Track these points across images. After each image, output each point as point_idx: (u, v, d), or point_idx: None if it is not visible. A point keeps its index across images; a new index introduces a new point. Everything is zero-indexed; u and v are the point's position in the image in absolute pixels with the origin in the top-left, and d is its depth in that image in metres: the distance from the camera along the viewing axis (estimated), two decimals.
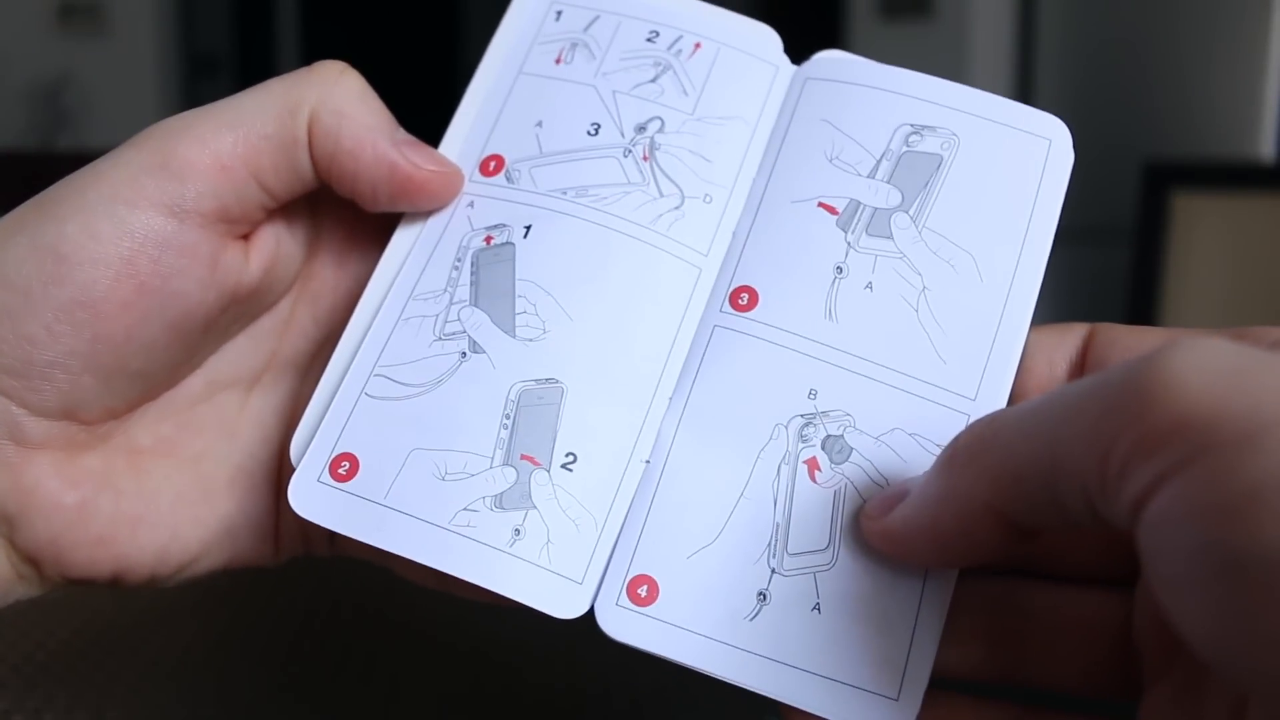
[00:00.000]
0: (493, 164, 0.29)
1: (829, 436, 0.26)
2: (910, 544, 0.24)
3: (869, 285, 0.27)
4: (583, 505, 0.26)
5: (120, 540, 0.27)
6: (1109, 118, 1.68)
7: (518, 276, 0.28)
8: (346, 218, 0.30)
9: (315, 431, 0.26)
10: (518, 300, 0.27)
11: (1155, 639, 0.24)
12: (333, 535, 0.29)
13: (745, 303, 0.28)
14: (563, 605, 0.25)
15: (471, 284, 0.28)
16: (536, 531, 0.25)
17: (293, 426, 0.28)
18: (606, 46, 0.30)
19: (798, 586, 0.25)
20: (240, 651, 0.39)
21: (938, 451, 0.26)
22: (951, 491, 0.23)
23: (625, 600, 0.25)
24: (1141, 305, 1.39)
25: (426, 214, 0.29)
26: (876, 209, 0.28)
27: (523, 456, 0.26)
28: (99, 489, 0.27)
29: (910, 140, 0.29)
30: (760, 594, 0.25)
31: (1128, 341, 0.26)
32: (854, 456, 0.26)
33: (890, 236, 0.28)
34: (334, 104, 0.27)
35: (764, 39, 0.31)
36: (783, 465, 0.26)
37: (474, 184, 0.29)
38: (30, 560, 0.26)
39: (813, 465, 0.26)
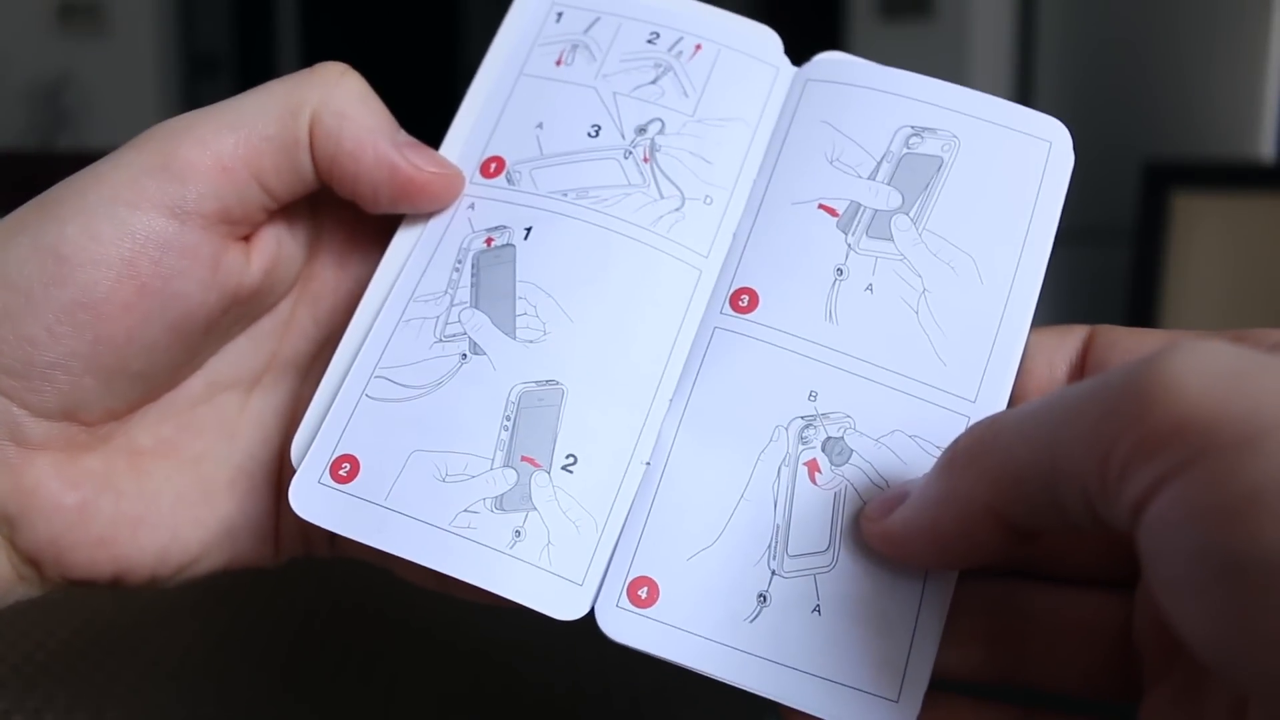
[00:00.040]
0: (493, 165, 0.29)
1: (829, 438, 0.26)
2: (910, 546, 0.24)
3: (869, 287, 0.28)
4: (583, 507, 0.26)
5: (121, 541, 0.27)
6: (1109, 118, 1.67)
7: (518, 278, 0.28)
8: (347, 219, 0.30)
9: (316, 433, 0.26)
10: (518, 302, 0.27)
11: (1155, 641, 0.24)
12: (333, 536, 0.29)
13: (745, 304, 0.28)
14: (563, 607, 0.25)
15: (472, 285, 0.28)
16: (537, 533, 0.25)
17: (293, 428, 0.28)
18: (607, 48, 0.30)
19: (798, 588, 0.25)
20: (240, 651, 0.39)
21: (938, 453, 0.26)
22: (951, 493, 0.23)
23: (625, 602, 0.25)
24: (1141, 305, 1.39)
25: (427, 216, 0.29)
26: (877, 211, 0.28)
27: (523, 458, 0.26)
28: (99, 490, 0.27)
29: (911, 142, 0.29)
30: (760, 595, 0.25)
31: (1128, 344, 0.26)
32: (854, 458, 0.26)
33: (890, 238, 0.28)
34: (335, 105, 0.27)
35: (764, 41, 0.31)
36: (783, 467, 0.26)
37: (475, 186, 0.29)
38: (31, 561, 0.26)
39: (813, 467, 0.26)
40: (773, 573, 0.25)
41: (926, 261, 0.28)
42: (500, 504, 0.25)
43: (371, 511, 0.25)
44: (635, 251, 0.28)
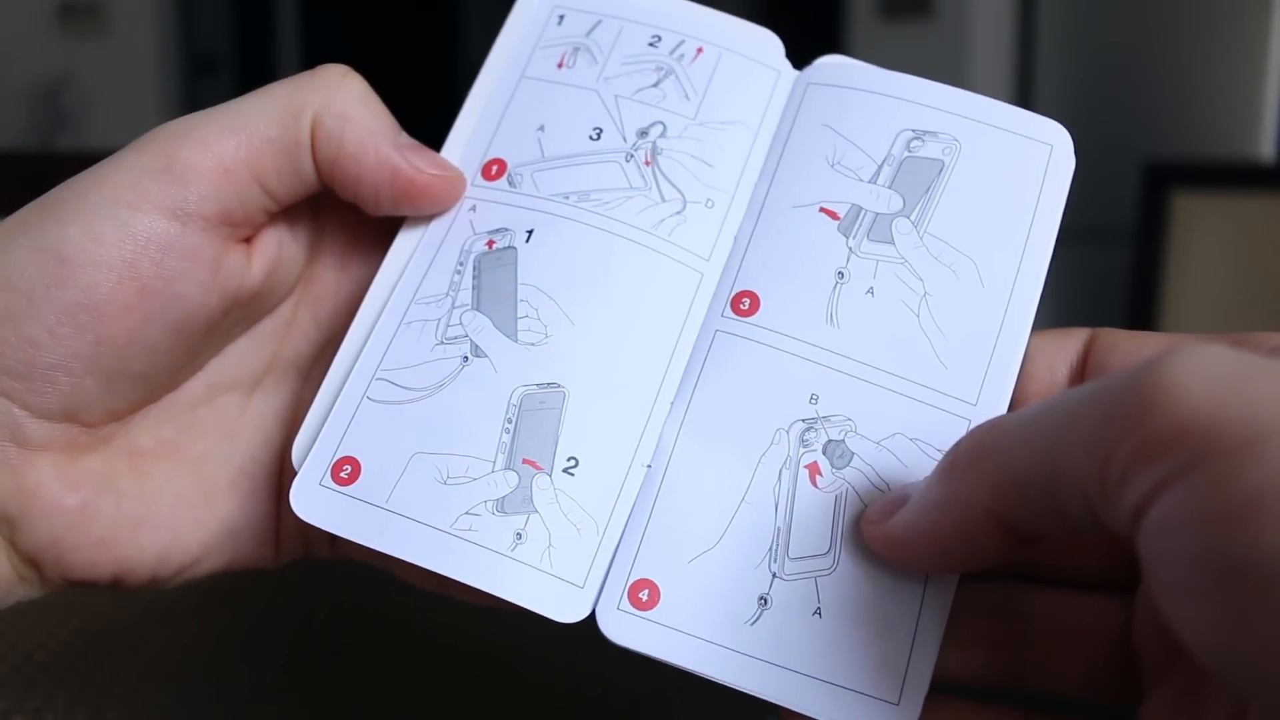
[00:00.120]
0: (495, 168, 0.29)
1: (830, 441, 0.26)
2: (911, 549, 0.24)
3: (870, 290, 0.28)
4: (584, 509, 0.26)
5: (121, 542, 0.27)
6: (1109, 118, 1.68)
7: (520, 280, 0.28)
8: (349, 221, 0.30)
9: (317, 435, 0.26)
10: (520, 304, 0.27)
11: (1155, 644, 0.24)
12: (333, 538, 0.29)
13: (747, 307, 0.28)
14: (564, 609, 0.25)
15: (473, 288, 0.28)
16: (538, 535, 0.25)
17: (294, 429, 0.28)
18: (609, 51, 0.30)
19: (799, 591, 0.25)
20: (240, 652, 0.39)
21: (938, 456, 0.26)
22: (952, 497, 0.23)
23: (626, 604, 0.25)
24: (1141, 305, 1.39)
25: (429, 218, 0.29)
26: (878, 214, 0.28)
27: (524, 460, 0.26)
28: (100, 491, 0.27)
29: (912, 145, 0.29)
30: (761, 598, 0.25)
31: (1128, 347, 0.26)
32: (855, 461, 0.26)
33: (892, 242, 0.28)
34: (337, 108, 0.27)
35: (766, 44, 0.31)
36: (784, 470, 0.26)
37: (476, 188, 0.29)
38: (31, 562, 0.26)
39: (814, 470, 0.26)
40: (773, 575, 0.25)
41: (927, 265, 0.28)
42: (501, 506, 0.25)
43: (372, 513, 0.25)
44: (636, 254, 0.28)
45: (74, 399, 0.26)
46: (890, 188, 0.28)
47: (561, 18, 0.31)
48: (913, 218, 0.28)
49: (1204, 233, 1.38)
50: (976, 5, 1.76)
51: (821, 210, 0.28)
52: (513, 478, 0.26)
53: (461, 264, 0.28)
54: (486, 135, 0.30)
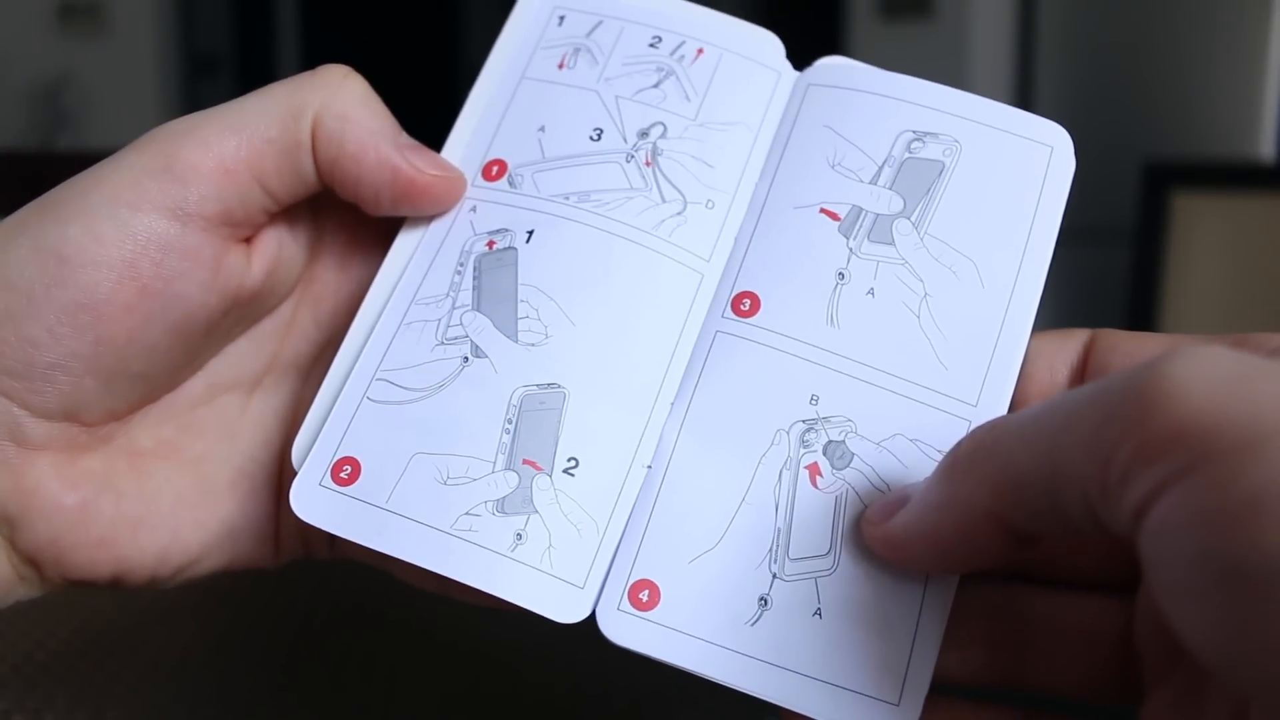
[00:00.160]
0: (495, 169, 0.29)
1: (830, 442, 0.26)
2: (911, 550, 0.24)
3: (871, 291, 0.28)
4: (584, 510, 0.26)
5: (121, 542, 0.27)
6: (1109, 118, 1.67)
7: (520, 281, 0.28)
8: (349, 221, 0.30)
9: (317, 435, 0.26)
10: (520, 305, 0.27)
11: (1156, 644, 0.24)
12: (333, 538, 0.29)
13: (747, 308, 0.28)
14: (564, 610, 0.25)
15: (474, 288, 0.28)
16: (538, 536, 0.25)
17: (294, 429, 0.28)
18: (609, 52, 0.30)
19: (799, 592, 0.25)
20: (240, 651, 0.39)
21: (939, 457, 0.26)
22: (953, 498, 0.23)
23: (627, 605, 0.25)
24: (1141, 306, 1.39)
25: (429, 218, 0.29)
26: (878, 215, 0.28)
27: (524, 461, 0.26)
28: (100, 491, 0.27)
29: (912, 146, 0.29)
30: (761, 599, 0.25)
31: (1128, 348, 0.26)
32: (855, 462, 0.26)
33: (892, 243, 0.28)
34: (337, 108, 0.27)
35: (766, 45, 0.31)
36: (784, 470, 0.26)
37: (476, 189, 0.29)
38: (31, 561, 0.26)
39: (814, 470, 0.26)
40: (774, 576, 0.25)
41: (928, 266, 0.28)
42: (501, 507, 0.25)
43: (372, 514, 0.25)
44: (637, 255, 0.28)
45: (74, 398, 0.26)
46: (891, 189, 0.28)
47: (562, 19, 0.31)
48: (913, 219, 0.28)
49: (1204, 233, 1.38)
50: (976, 5, 1.76)
51: (822, 211, 0.28)
52: (513, 478, 0.26)
53: (462, 264, 0.28)
54: (487, 136, 0.30)
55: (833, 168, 0.29)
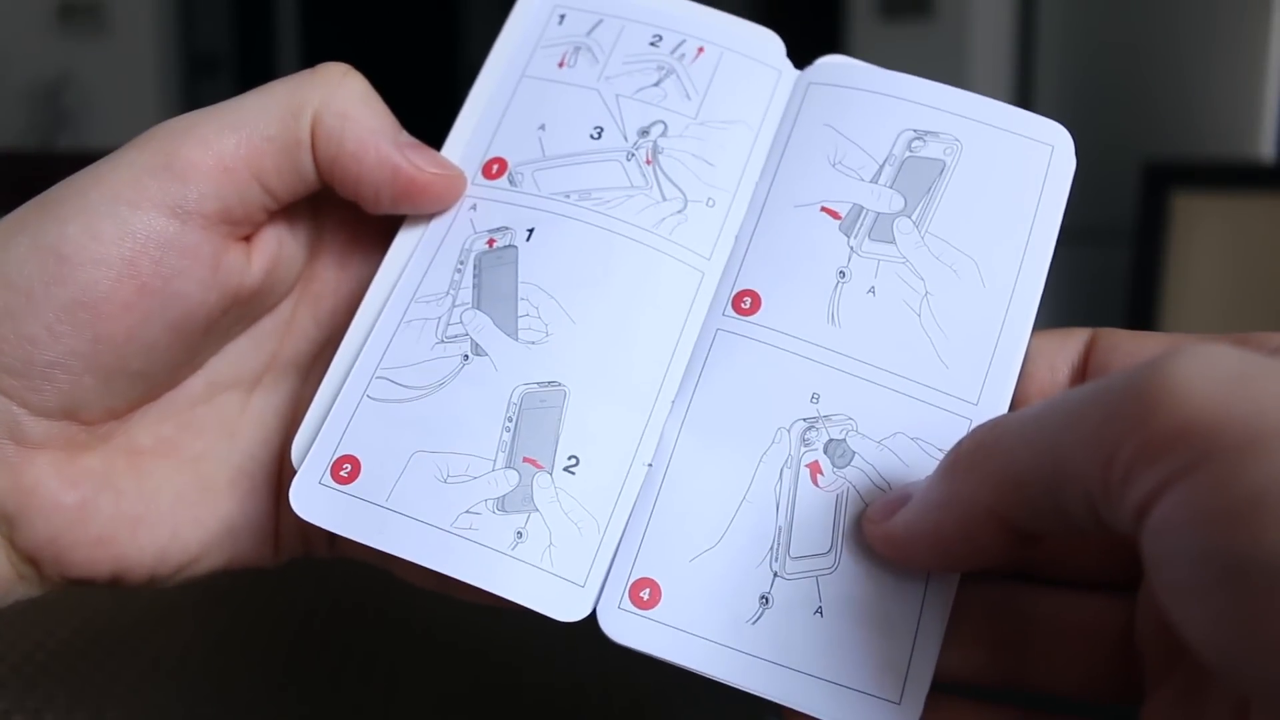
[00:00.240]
0: (495, 167, 0.29)
1: (831, 440, 0.26)
2: (912, 548, 0.24)
3: (871, 290, 0.28)
4: (585, 508, 0.26)
5: (120, 540, 0.27)
6: (1109, 118, 1.67)
7: (520, 279, 0.28)
8: (349, 219, 0.30)
9: (317, 433, 0.26)
10: (520, 303, 0.27)
11: (1157, 643, 0.24)
12: (332, 537, 0.29)
13: (748, 306, 0.28)
14: (565, 608, 0.25)
15: (474, 286, 0.28)
16: (538, 534, 0.25)
17: (293, 428, 0.28)
18: (609, 50, 0.30)
19: (800, 590, 0.25)
20: (240, 651, 0.39)
21: (940, 456, 0.26)
22: (954, 496, 0.23)
23: (627, 603, 0.25)
24: (1141, 305, 1.39)
25: (429, 216, 0.29)
26: (879, 214, 0.28)
27: (525, 459, 0.26)
28: (99, 489, 0.27)
29: (913, 145, 0.29)
30: (762, 597, 0.25)
31: (1129, 347, 0.26)
32: (856, 460, 0.26)
33: (893, 241, 0.28)
34: (337, 106, 0.27)
35: (767, 43, 0.31)
36: (785, 469, 0.26)
37: (477, 187, 0.29)
38: (30, 560, 0.26)
39: (815, 469, 0.26)
40: (775, 574, 0.25)
41: (929, 264, 0.28)
42: (502, 505, 0.25)
43: (372, 512, 0.25)
44: (637, 253, 0.28)
45: (73, 397, 0.26)
46: (891, 187, 0.28)
47: (562, 17, 0.31)
48: (914, 217, 0.28)
49: (1204, 233, 1.38)
50: (976, 5, 1.76)
51: (823, 210, 0.28)
52: (513, 476, 0.26)
53: (462, 262, 0.28)
54: (487, 134, 0.30)
55: (833, 166, 0.29)
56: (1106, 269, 1.56)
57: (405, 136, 0.28)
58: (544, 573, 0.25)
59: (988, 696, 0.26)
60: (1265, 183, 1.39)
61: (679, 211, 0.29)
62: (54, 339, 0.25)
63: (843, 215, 0.28)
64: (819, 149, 0.29)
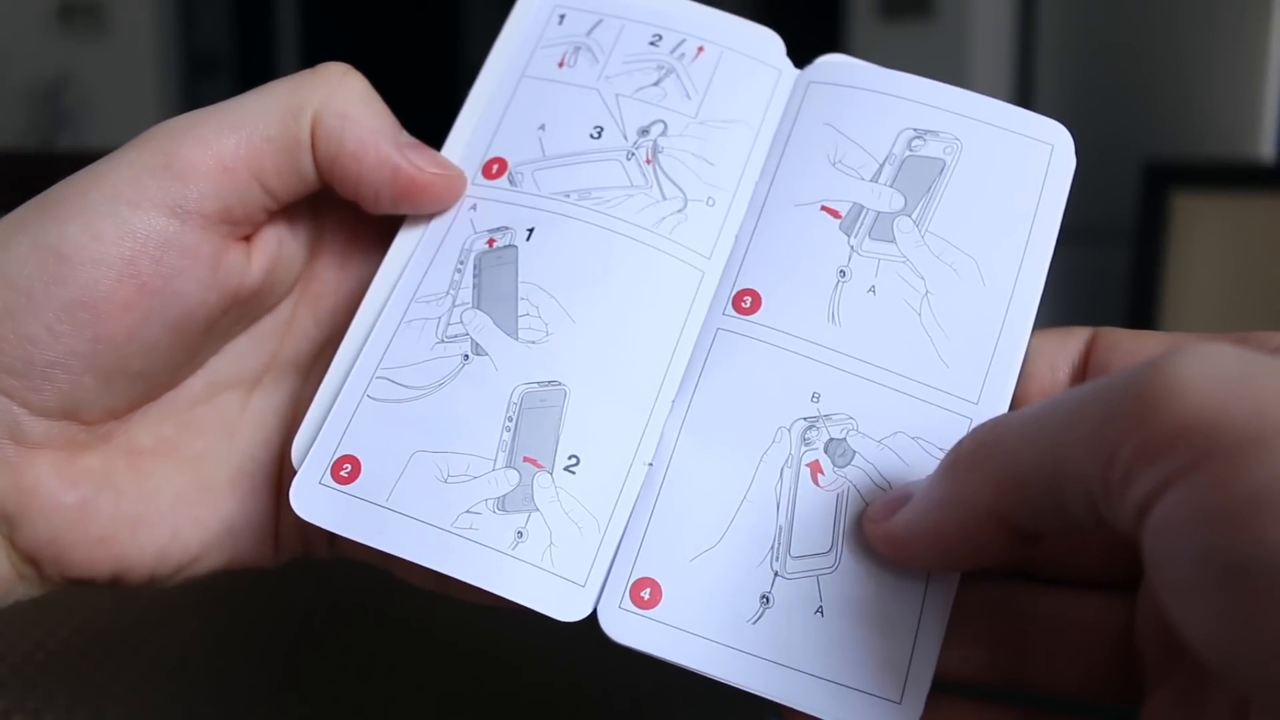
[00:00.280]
0: (495, 167, 0.29)
1: (832, 439, 0.26)
2: (913, 548, 0.24)
3: (872, 289, 0.27)
4: (585, 508, 0.26)
5: (120, 540, 0.27)
6: (1109, 118, 1.67)
7: (520, 279, 0.28)
8: (349, 219, 0.30)
9: (317, 433, 0.26)
10: (520, 303, 0.27)
11: (1157, 643, 0.24)
12: (332, 536, 0.29)
13: (748, 305, 0.28)
14: (565, 608, 0.25)
15: (474, 286, 0.28)
16: (539, 534, 0.25)
17: (294, 428, 0.28)
18: (609, 50, 0.30)
19: (800, 589, 0.25)
20: (240, 651, 0.39)
21: (940, 455, 0.26)
22: (955, 496, 0.23)
23: (628, 603, 0.25)
24: (1141, 305, 1.39)
25: (429, 216, 0.29)
26: (879, 213, 0.28)
27: (525, 459, 0.26)
28: (99, 489, 0.27)
29: (913, 145, 0.29)
30: (763, 597, 0.25)
31: (1129, 346, 0.26)
32: (856, 459, 0.26)
33: (893, 240, 0.28)
34: (337, 106, 0.27)
35: (767, 43, 0.31)
36: (785, 468, 0.26)
37: (477, 187, 0.29)
38: (30, 560, 0.26)
39: (815, 468, 0.26)
40: (775, 574, 0.25)
41: (929, 263, 0.28)
42: (502, 505, 0.25)
43: (372, 512, 0.25)
44: (637, 253, 0.28)
45: (73, 397, 0.26)
46: (892, 186, 0.28)
47: (562, 17, 0.31)
48: (914, 216, 0.28)
49: (1204, 233, 1.38)
50: (976, 5, 1.76)
51: (823, 209, 0.28)
52: (514, 476, 0.26)
53: (462, 262, 0.28)
54: (487, 134, 0.30)
55: (834, 165, 0.29)
56: (1106, 269, 1.56)
57: (405, 136, 0.28)
58: (544, 572, 0.25)
59: (988, 696, 0.26)
60: (1265, 183, 1.39)
61: (679, 211, 0.28)
62: (54, 339, 0.25)
63: (843, 214, 0.28)
64: (819, 148, 0.29)
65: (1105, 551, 0.26)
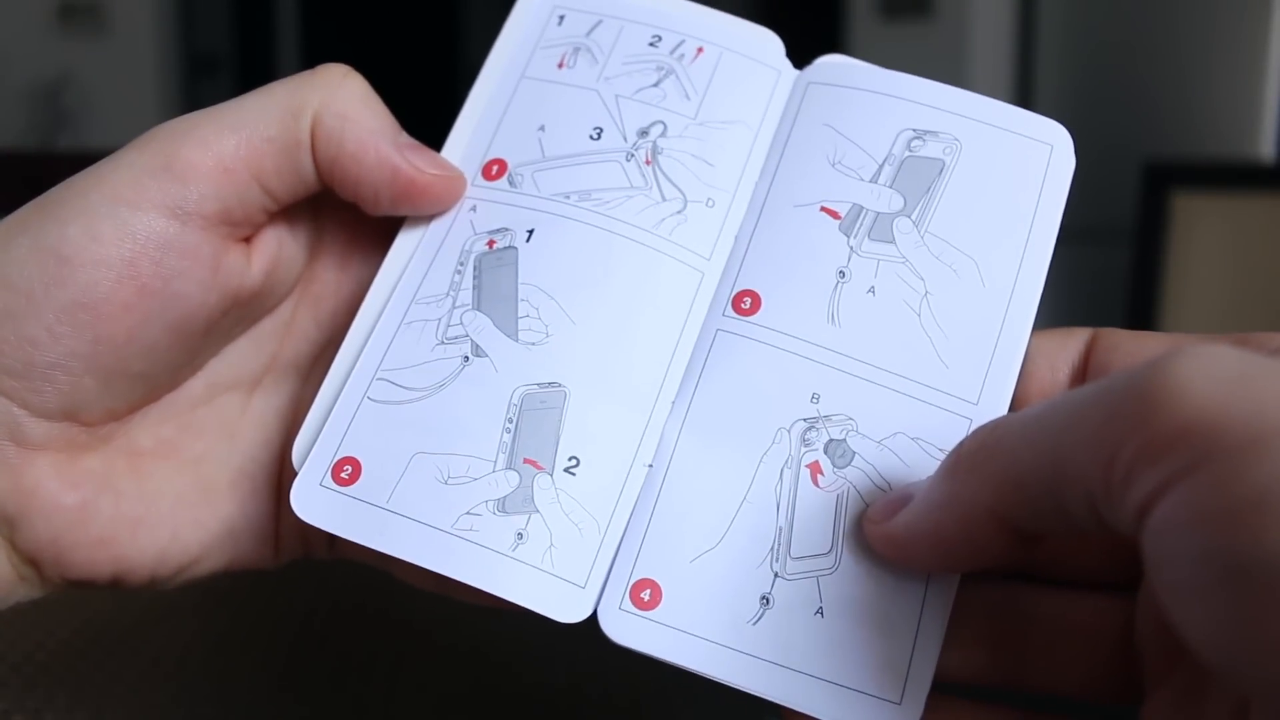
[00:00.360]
0: (495, 168, 0.29)
1: (831, 440, 0.26)
2: (913, 548, 0.24)
3: (871, 289, 0.28)
4: (585, 509, 0.26)
5: (120, 542, 0.27)
6: (1109, 118, 1.67)
7: (520, 280, 0.28)
8: (349, 221, 0.30)
9: (318, 435, 0.26)
10: (520, 304, 0.27)
11: (1157, 643, 0.24)
12: (332, 538, 0.29)
13: (748, 306, 0.28)
14: (566, 609, 0.25)
15: (474, 288, 0.28)
16: (539, 535, 0.25)
17: (294, 429, 0.28)
18: (609, 51, 0.30)
19: (800, 590, 0.25)
20: (240, 651, 0.39)
21: (940, 456, 0.26)
22: (955, 497, 0.23)
23: (628, 604, 0.25)
24: (1141, 305, 1.39)
25: (429, 218, 0.29)
26: (879, 213, 0.28)
27: (525, 460, 0.26)
28: (99, 490, 0.27)
29: (912, 145, 0.29)
30: (763, 598, 0.25)
31: (1130, 347, 0.26)
32: (856, 460, 0.26)
33: (893, 241, 0.28)
34: (337, 107, 0.27)
35: (766, 43, 0.31)
36: (785, 469, 0.26)
37: (476, 188, 0.29)
38: (30, 561, 0.26)
39: (815, 469, 0.26)
40: (775, 575, 0.25)
41: (928, 264, 0.28)
42: (502, 506, 0.25)
43: (373, 514, 0.25)
44: (637, 254, 0.28)
45: (73, 398, 0.26)
46: (891, 187, 0.28)
47: (562, 18, 0.31)
48: (914, 217, 0.28)
49: (1204, 233, 1.38)
50: (976, 5, 1.76)
51: (822, 209, 0.28)
52: (514, 477, 0.26)
53: (462, 264, 0.28)
54: (487, 135, 0.30)
55: (833, 166, 0.29)
56: (1106, 269, 1.56)
57: (405, 137, 0.28)
58: (545, 574, 0.25)
59: (988, 697, 0.26)
60: (1265, 183, 1.39)
61: (679, 212, 0.29)
62: (54, 340, 0.25)
63: (842, 215, 0.28)
64: (818, 149, 0.29)
65: (1106, 552, 0.26)
